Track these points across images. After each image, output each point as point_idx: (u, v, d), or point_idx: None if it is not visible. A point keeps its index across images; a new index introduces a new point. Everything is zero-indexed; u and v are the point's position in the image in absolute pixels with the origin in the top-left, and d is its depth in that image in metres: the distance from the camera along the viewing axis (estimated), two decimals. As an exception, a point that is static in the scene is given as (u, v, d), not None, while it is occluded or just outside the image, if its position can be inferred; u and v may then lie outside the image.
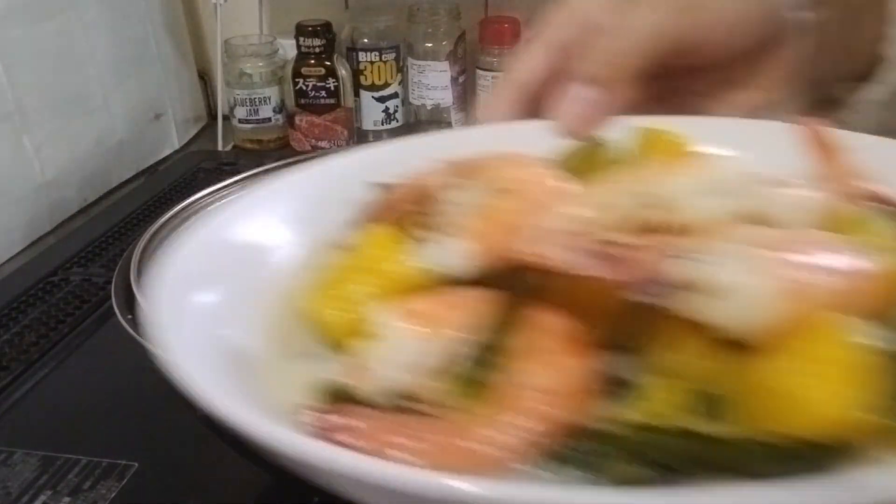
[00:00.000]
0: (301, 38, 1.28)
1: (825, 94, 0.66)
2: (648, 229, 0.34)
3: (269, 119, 1.33)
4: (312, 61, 1.29)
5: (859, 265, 0.32)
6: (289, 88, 1.31)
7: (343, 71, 1.30)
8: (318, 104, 1.30)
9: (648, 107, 0.56)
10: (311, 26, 1.28)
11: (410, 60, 1.32)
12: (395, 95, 1.33)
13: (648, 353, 0.33)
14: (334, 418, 0.30)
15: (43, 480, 0.60)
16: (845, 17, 0.59)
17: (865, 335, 0.30)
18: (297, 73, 1.29)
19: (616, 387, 0.32)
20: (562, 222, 0.35)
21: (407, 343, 0.34)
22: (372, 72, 1.31)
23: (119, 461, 0.60)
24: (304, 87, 1.30)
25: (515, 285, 0.35)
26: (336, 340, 0.36)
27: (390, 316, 0.34)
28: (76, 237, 0.95)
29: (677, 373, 0.32)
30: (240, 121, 1.32)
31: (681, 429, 0.29)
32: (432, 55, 1.29)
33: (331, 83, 1.29)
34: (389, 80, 1.32)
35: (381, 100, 1.33)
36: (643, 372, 0.32)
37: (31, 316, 0.82)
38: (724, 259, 0.31)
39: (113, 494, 0.58)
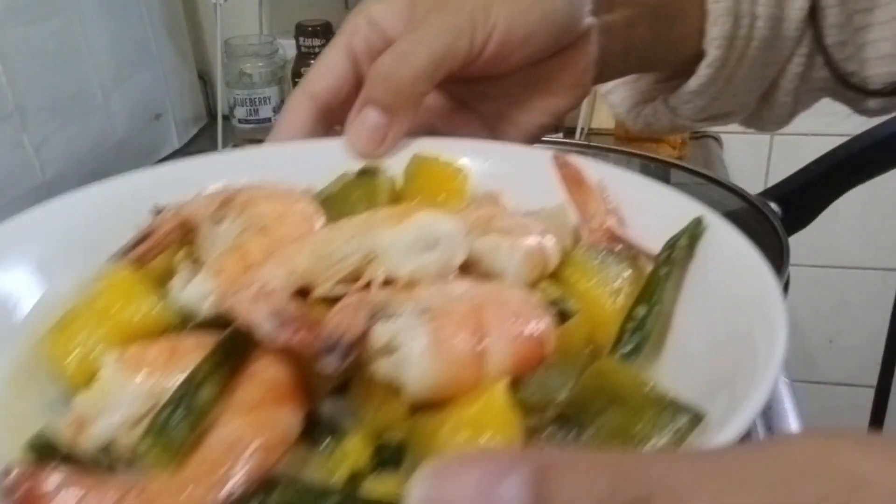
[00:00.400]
0: (301, 38, 1.30)
1: (639, 79, 0.71)
2: (354, 281, 0.35)
3: (269, 119, 1.35)
4: (312, 61, 1.29)
5: (535, 326, 0.34)
6: (289, 88, 1.33)
7: (342, 71, 1.31)
8: (317, 104, 1.31)
9: (454, 114, 0.59)
10: (311, 26, 1.29)
11: (409, 60, 1.31)
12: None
13: (354, 399, 0.34)
14: (28, 485, 0.29)
15: None
16: (655, 15, 0.62)
17: (524, 394, 0.33)
18: (297, 73, 1.32)
19: (325, 431, 0.34)
20: (269, 273, 0.36)
21: (119, 395, 0.33)
22: (371, 72, 1.31)
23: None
24: (304, 87, 1.31)
25: (243, 332, 0.35)
26: (71, 388, 0.36)
27: (109, 364, 0.34)
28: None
29: (369, 422, 0.34)
30: (240, 121, 1.34)
31: (348, 494, 0.31)
32: (430, 55, 1.28)
33: (330, 83, 1.30)
34: (387, 80, 1.32)
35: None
36: (350, 417, 0.34)
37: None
38: (403, 320, 0.33)
39: None
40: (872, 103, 0.69)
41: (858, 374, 1.67)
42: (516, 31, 0.52)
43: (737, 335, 0.35)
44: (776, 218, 0.77)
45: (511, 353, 0.33)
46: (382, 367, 0.33)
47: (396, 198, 0.48)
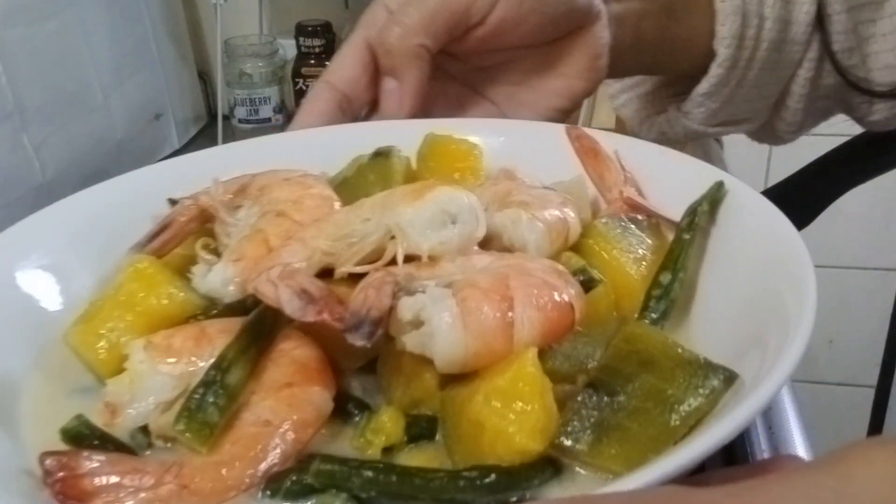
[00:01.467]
0: (301, 38, 1.30)
1: (663, 85, 0.72)
2: (376, 259, 0.36)
3: (269, 119, 1.35)
4: (312, 61, 1.31)
5: (563, 295, 0.34)
6: (289, 88, 1.34)
7: (343, 71, 1.32)
8: (318, 104, 1.32)
9: (468, 101, 0.61)
10: (311, 26, 1.30)
11: (409, 60, 1.32)
12: (394, 95, 1.34)
13: (383, 376, 0.35)
14: (62, 474, 0.30)
15: None
16: (665, 11, 0.64)
17: (554, 363, 0.33)
18: (297, 73, 1.32)
19: (356, 407, 0.35)
20: (291, 255, 0.36)
21: (149, 380, 0.34)
22: (372, 72, 1.32)
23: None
24: (304, 87, 1.32)
25: (269, 314, 0.36)
26: (101, 376, 0.37)
27: (137, 351, 0.35)
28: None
29: (400, 397, 0.34)
30: (240, 121, 1.35)
31: (386, 464, 0.31)
32: (431, 55, 1.30)
33: (331, 83, 1.31)
34: (389, 80, 1.33)
35: (382, 100, 1.34)
36: (379, 394, 0.35)
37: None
38: (429, 294, 0.33)
39: None
40: (878, 114, 0.70)
41: (858, 374, 1.68)
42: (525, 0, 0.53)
43: (765, 295, 0.35)
44: None
45: (540, 322, 0.33)
46: (411, 342, 0.33)
47: (412, 177, 0.49)
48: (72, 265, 0.43)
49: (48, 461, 0.31)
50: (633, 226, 0.43)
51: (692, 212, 0.42)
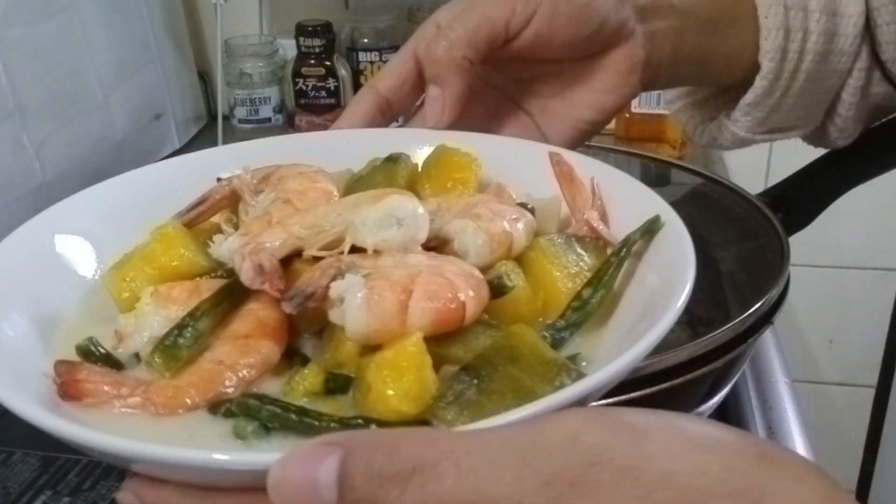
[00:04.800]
0: (301, 38, 1.36)
1: (716, 94, 0.79)
2: (331, 247, 0.47)
3: (269, 119, 1.41)
4: (312, 61, 1.37)
5: (458, 293, 0.43)
6: (289, 88, 1.39)
7: (343, 71, 1.38)
8: (318, 104, 1.38)
9: (505, 112, 0.69)
10: (311, 26, 1.35)
11: (410, 60, 1.35)
12: (395, 95, 1.37)
13: (323, 340, 0.47)
14: (66, 377, 0.42)
15: (43, 480, 0.64)
16: (706, 27, 0.70)
17: (451, 348, 0.44)
18: (297, 73, 1.37)
19: (301, 362, 0.46)
20: (270, 236, 0.48)
21: (149, 319, 0.46)
22: (372, 72, 1.39)
23: (118, 461, 0.67)
24: (304, 87, 1.37)
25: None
26: (121, 311, 0.48)
27: (146, 295, 0.47)
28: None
29: (328, 358, 0.45)
30: (240, 121, 1.40)
31: (289, 404, 0.41)
32: (432, 55, 1.33)
33: (331, 83, 1.37)
34: (389, 80, 1.36)
35: (381, 100, 1.37)
36: (317, 353, 0.46)
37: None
38: (350, 279, 0.44)
39: (113, 494, 0.62)
40: None
41: (858, 374, 1.73)
42: (559, 15, 0.62)
43: (648, 304, 0.44)
44: (776, 218, 0.80)
45: (431, 312, 0.43)
46: (333, 315, 0.44)
47: (412, 182, 0.59)
48: (112, 234, 0.54)
49: (58, 367, 0.43)
50: (577, 245, 0.51)
51: (626, 239, 0.50)
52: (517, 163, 0.60)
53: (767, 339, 0.88)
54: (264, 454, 0.32)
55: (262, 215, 0.51)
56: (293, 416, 0.40)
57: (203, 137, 1.46)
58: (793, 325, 1.66)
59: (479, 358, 0.42)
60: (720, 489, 0.27)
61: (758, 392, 0.84)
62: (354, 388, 0.43)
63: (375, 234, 0.46)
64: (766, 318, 0.67)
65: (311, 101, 1.37)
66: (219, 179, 0.58)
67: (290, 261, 0.48)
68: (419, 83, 0.64)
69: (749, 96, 0.71)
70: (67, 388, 0.42)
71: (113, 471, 0.63)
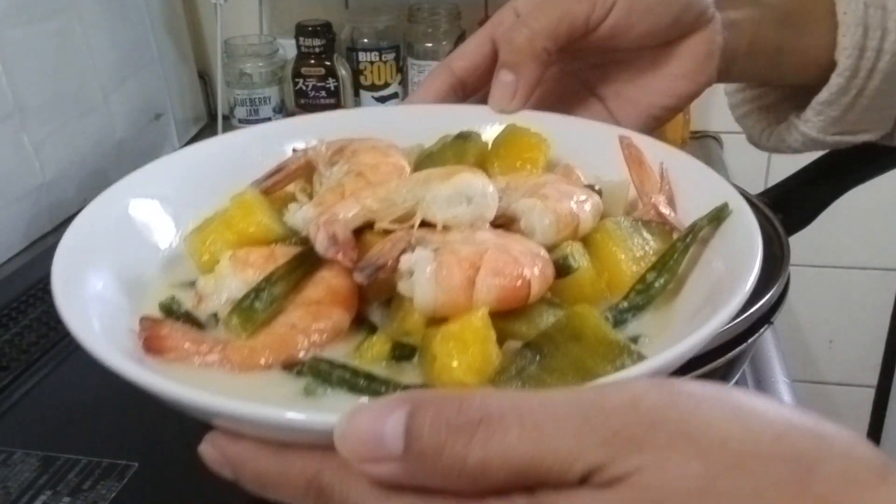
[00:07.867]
0: (301, 38, 1.37)
1: (781, 94, 0.79)
2: (402, 221, 0.49)
3: (269, 119, 1.43)
4: (312, 61, 1.38)
5: (523, 271, 0.45)
6: (289, 88, 1.40)
7: (343, 71, 1.39)
8: (318, 104, 1.39)
9: (577, 96, 0.70)
10: (311, 26, 1.37)
11: (410, 60, 1.42)
12: (394, 95, 1.44)
13: (391, 310, 0.48)
14: (149, 332, 0.45)
15: (43, 480, 0.64)
16: (783, 20, 0.70)
17: (516, 324, 0.45)
18: (297, 73, 1.38)
19: (369, 329, 0.48)
20: (344, 208, 0.49)
21: (228, 281, 0.48)
22: (372, 72, 1.40)
23: (119, 461, 0.65)
24: (304, 87, 1.38)
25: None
26: (201, 272, 0.51)
27: (224, 259, 0.49)
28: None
29: (396, 327, 0.47)
30: (240, 121, 1.41)
31: (356, 368, 0.44)
32: (432, 55, 1.39)
33: (331, 83, 1.38)
34: (389, 80, 1.42)
35: (381, 100, 1.43)
36: (384, 321, 0.48)
37: (31, 316, 0.87)
38: (420, 253, 0.45)
39: (113, 494, 0.61)
40: None
41: (858, 374, 1.74)
42: (638, 5, 0.63)
43: (713, 291, 0.45)
44: (776, 218, 0.81)
45: (497, 289, 0.44)
46: (402, 287, 0.45)
47: (481, 160, 0.60)
48: (189, 201, 0.57)
49: (143, 322, 0.46)
50: (643, 229, 0.52)
51: (692, 225, 0.51)
52: (586, 144, 0.61)
53: (767, 339, 0.87)
54: (335, 414, 0.33)
55: (335, 187, 0.53)
56: (362, 381, 0.43)
57: (203, 138, 1.41)
58: (793, 325, 1.68)
59: (542, 335, 0.44)
60: (774, 455, 0.29)
61: (758, 392, 0.85)
62: (420, 357, 0.45)
63: (445, 210, 0.48)
64: (766, 318, 0.68)
65: (311, 101, 1.38)
66: (294, 150, 0.60)
67: (361, 232, 0.49)
68: (493, 67, 0.64)
69: (823, 94, 0.71)
70: (151, 343, 0.45)
71: (113, 470, 0.64)
